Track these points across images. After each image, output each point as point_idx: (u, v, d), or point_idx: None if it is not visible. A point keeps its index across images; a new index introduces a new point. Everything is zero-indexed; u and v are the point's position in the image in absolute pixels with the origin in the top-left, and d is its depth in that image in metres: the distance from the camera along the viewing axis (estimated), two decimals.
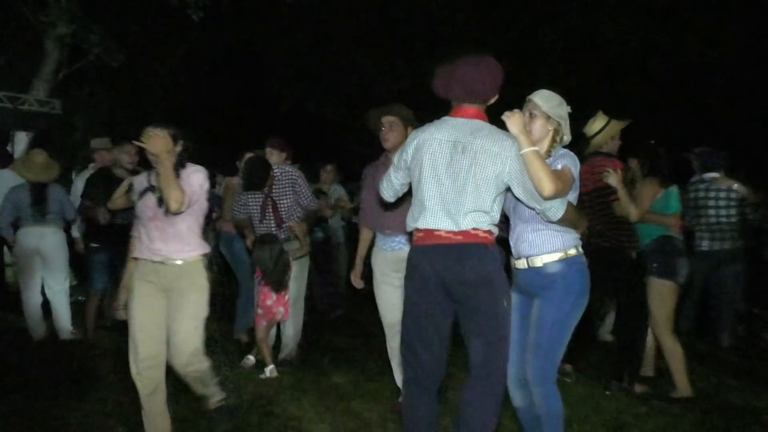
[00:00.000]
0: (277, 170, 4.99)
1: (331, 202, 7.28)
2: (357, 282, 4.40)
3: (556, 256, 2.97)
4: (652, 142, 4.93)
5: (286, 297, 4.90)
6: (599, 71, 12.82)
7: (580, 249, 3.05)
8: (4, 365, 4.90)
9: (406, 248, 3.55)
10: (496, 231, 2.91)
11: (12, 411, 3.89)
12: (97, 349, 5.42)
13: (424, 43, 13.57)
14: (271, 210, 4.97)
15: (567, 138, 3.05)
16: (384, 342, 5.84)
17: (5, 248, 7.14)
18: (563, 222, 2.93)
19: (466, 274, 2.81)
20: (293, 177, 5.02)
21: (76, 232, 6.27)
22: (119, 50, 11.20)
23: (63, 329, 5.77)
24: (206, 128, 13.54)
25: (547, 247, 2.98)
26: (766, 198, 5.94)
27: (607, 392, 4.47)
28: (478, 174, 2.82)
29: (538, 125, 2.98)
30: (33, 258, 5.74)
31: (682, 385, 4.41)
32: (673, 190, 4.66)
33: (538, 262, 2.99)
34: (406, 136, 3.66)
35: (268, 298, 4.85)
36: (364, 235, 4.31)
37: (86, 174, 6.33)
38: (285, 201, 4.98)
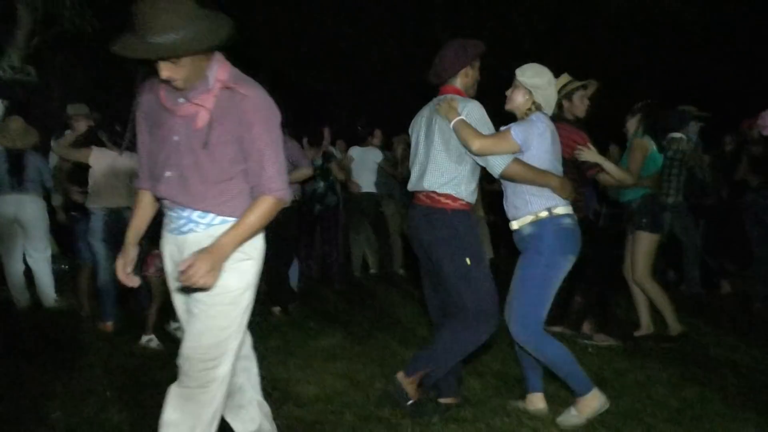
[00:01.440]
0: None
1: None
2: None
3: (528, 219, 3.29)
4: (649, 101, 5.01)
5: None
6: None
7: (558, 210, 3.27)
8: None
9: None
10: (462, 195, 3.29)
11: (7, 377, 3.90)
12: (83, 317, 5.43)
13: (413, 12, 13.43)
14: None
15: (545, 105, 3.35)
16: (371, 305, 5.95)
17: None
18: (516, 179, 3.26)
19: (427, 236, 3.35)
20: None
21: (56, 201, 6.20)
22: (92, 16, 10.98)
23: (46, 297, 5.76)
24: None
25: (521, 211, 3.33)
26: (714, 159, 6.23)
27: (590, 350, 4.58)
28: (437, 142, 3.31)
29: (515, 93, 3.39)
30: (12, 226, 5.70)
31: (674, 324, 4.79)
32: (654, 149, 4.77)
33: (515, 225, 3.36)
34: None
35: None
36: None
37: (64, 141, 6.23)
38: None
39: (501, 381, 3.97)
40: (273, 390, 3.73)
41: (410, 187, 3.48)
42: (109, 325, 4.99)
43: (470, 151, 3.21)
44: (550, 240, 3.24)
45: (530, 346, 3.29)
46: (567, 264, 3.28)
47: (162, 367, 4.02)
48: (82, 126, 6.16)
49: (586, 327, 4.88)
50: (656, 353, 4.50)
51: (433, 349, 3.38)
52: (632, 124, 4.90)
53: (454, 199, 3.29)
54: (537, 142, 3.23)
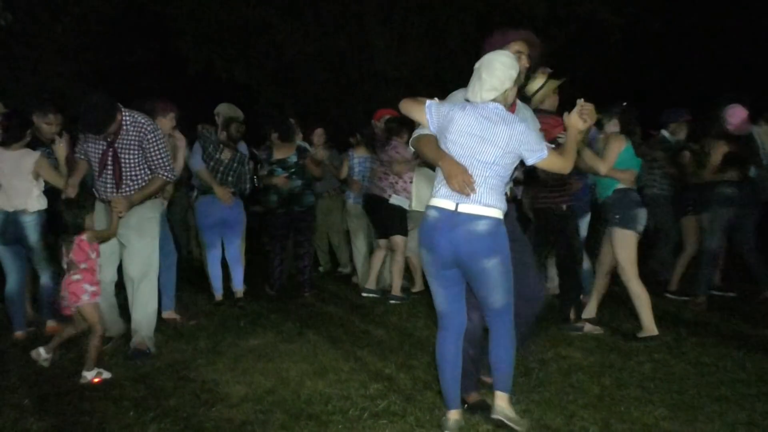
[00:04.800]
0: (127, 116, 4.24)
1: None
2: None
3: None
4: (625, 104, 5.13)
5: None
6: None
7: (430, 201, 3.15)
8: None
9: None
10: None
11: None
12: None
13: (333, 4, 13.37)
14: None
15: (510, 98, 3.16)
16: (301, 305, 5.92)
17: None
18: (417, 151, 3.28)
19: None
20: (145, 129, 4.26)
21: None
22: (5, 8, 10.52)
23: None
24: (110, 92, 12.90)
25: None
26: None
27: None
28: None
29: None
30: None
31: (649, 326, 4.77)
32: (630, 146, 4.91)
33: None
34: None
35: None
36: None
37: None
38: (129, 156, 4.27)
39: (430, 374, 4.03)
40: (202, 392, 3.71)
41: None
42: (20, 333, 4.80)
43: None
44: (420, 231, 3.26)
45: None
46: (427, 257, 3.14)
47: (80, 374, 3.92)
48: None
49: (573, 317, 4.98)
50: (578, 342, 4.66)
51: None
52: (611, 126, 5.06)
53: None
54: (449, 122, 3.09)
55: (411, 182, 6.23)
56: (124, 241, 4.34)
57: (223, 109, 5.95)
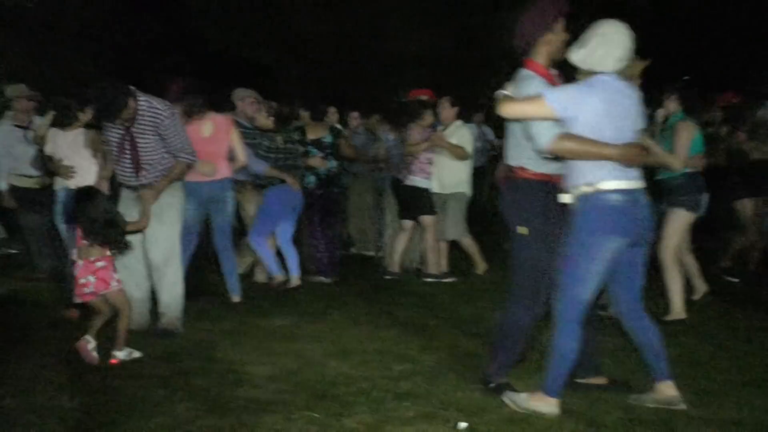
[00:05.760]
0: (142, 101, 4.22)
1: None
2: None
3: (574, 193, 3.08)
4: (686, 78, 4.99)
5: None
6: None
7: (603, 186, 3.00)
8: None
9: None
10: (533, 167, 3.24)
11: None
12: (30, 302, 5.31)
13: None
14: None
15: (597, 65, 3.04)
16: (326, 285, 5.97)
17: None
18: (566, 156, 3.05)
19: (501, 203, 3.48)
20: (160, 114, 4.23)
21: (3, 185, 5.99)
22: None
23: None
24: (130, 73, 12.96)
25: (568, 184, 3.13)
26: None
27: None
28: None
29: None
30: None
31: (678, 309, 4.76)
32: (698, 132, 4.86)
33: (566, 199, 3.15)
34: None
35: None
36: None
37: (5, 124, 6.04)
38: (145, 141, 4.28)
39: (454, 356, 4.06)
40: (228, 372, 3.76)
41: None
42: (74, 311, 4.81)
43: (499, 114, 3.14)
44: (588, 217, 3.03)
45: (561, 327, 3.11)
46: (609, 244, 3.01)
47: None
48: (24, 105, 6.00)
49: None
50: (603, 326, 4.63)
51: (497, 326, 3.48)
52: (670, 106, 4.86)
53: (523, 170, 3.28)
54: (584, 107, 2.96)
55: (429, 164, 6.23)
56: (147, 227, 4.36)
57: (240, 94, 5.92)
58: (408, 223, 6.34)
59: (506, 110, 3.09)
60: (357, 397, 3.40)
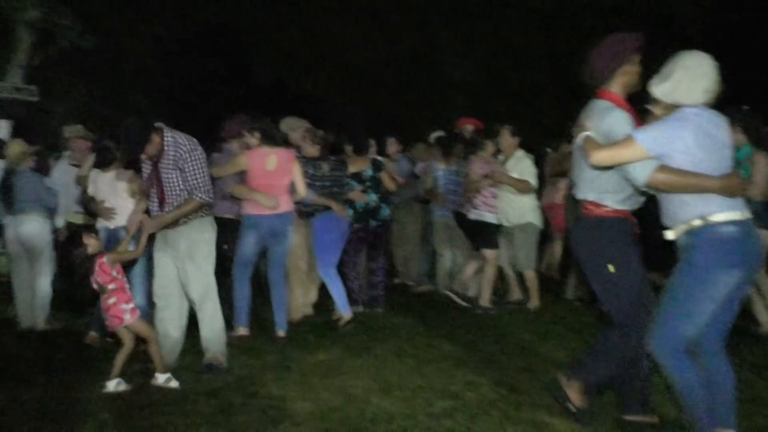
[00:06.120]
0: (168, 137, 4.29)
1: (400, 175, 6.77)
2: None
3: (681, 228, 3.00)
4: (746, 108, 4.85)
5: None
6: None
7: (714, 218, 2.91)
8: None
9: None
10: (607, 203, 3.25)
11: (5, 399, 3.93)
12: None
13: (400, 11, 13.42)
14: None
15: (684, 98, 3.00)
16: (370, 316, 5.96)
17: None
18: (665, 189, 2.99)
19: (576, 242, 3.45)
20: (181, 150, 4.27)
21: (60, 222, 6.22)
22: (90, 32, 11.09)
23: (39, 318, 5.73)
24: (185, 107, 13.41)
25: (674, 220, 3.04)
26: None
27: None
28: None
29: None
30: (16, 246, 5.77)
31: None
32: None
33: (670, 235, 3.07)
34: None
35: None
36: None
37: (63, 163, 6.30)
38: (169, 176, 4.32)
39: (498, 392, 3.97)
40: (269, 408, 3.77)
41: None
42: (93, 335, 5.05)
43: (590, 165, 3.12)
44: (705, 251, 2.92)
45: (664, 364, 3.03)
46: (728, 279, 2.91)
47: (161, 388, 4.07)
48: (80, 146, 6.24)
49: None
50: None
51: (590, 355, 3.44)
52: (736, 138, 4.60)
53: (597, 205, 3.27)
54: (677, 143, 2.90)
55: (494, 197, 6.17)
56: (179, 266, 4.41)
57: (290, 125, 5.98)
58: (487, 254, 6.24)
59: (598, 158, 3.03)
60: None
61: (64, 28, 11.04)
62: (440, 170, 6.68)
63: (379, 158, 6.57)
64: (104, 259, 4.08)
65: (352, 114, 13.40)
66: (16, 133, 10.24)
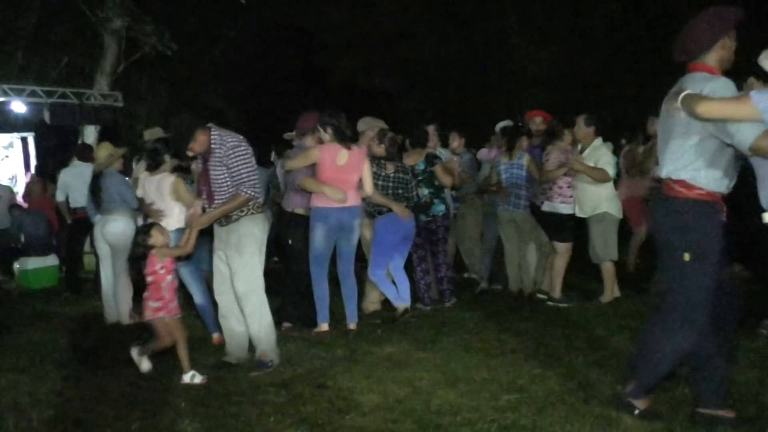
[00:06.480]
0: (215, 135, 4.38)
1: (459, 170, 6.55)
2: None
3: None
4: None
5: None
6: None
7: None
8: (82, 348, 5.28)
9: None
10: (700, 182, 3.06)
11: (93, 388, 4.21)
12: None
13: (472, 3, 13.31)
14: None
15: None
16: (438, 310, 5.98)
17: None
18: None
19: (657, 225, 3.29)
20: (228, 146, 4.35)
21: (141, 221, 6.54)
22: (171, 39, 11.57)
23: (122, 314, 6.06)
24: (260, 107, 13.78)
25: None
26: None
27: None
28: (671, 124, 3.13)
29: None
30: (102, 244, 6.15)
31: None
32: None
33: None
34: None
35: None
36: None
37: (143, 165, 6.61)
38: (216, 173, 4.39)
39: (565, 386, 3.92)
40: (337, 399, 3.86)
41: (657, 174, 3.33)
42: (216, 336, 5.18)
43: (696, 116, 2.94)
44: None
45: None
46: None
47: (235, 379, 4.25)
48: None
49: None
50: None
51: (643, 347, 3.34)
52: None
53: (689, 187, 3.09)
54: None
55: (569, 187, 6.06)
56: (228, 260, 4.49)
57: (367, 123, 6.00)
58: (562, 246, 6.17)
59: (705, 109, 2.88)
60: (462, 427, 3.39)
61: (147, 35, 11.56)
62: (503, 164, 6.54)
63: (434, 151, 6.46)
64: (154, 251, 4.28)
65: (420, 110, 13.44)
66: (102, 137, 10.86)
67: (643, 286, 6.45)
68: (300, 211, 5.58)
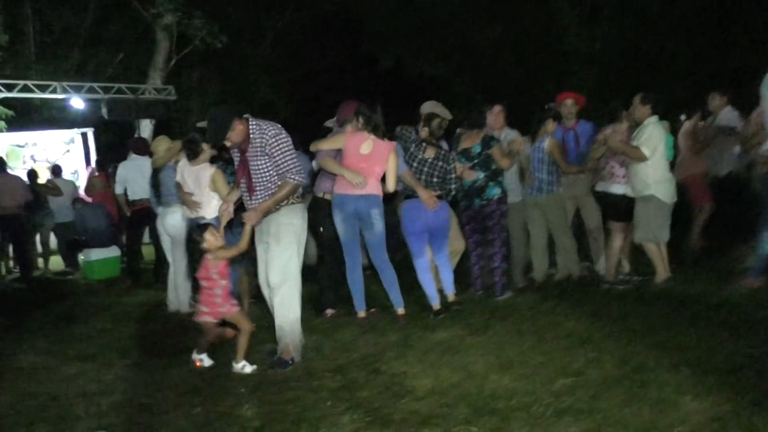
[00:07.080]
0: (253, 125, 4.33)
1: (505, 148, 6.14)
2: None
3: None
4: None
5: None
6: None
7: None
8: (144, 336, 5.47)
9: None
10: None
11: (156, 375, 4.38)
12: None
13: None
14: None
15: None
16: (488, 297, 5.94)
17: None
18: None
19: None
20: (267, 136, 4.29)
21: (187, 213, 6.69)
22: (221, 32, 11.78)
23: (183, 303, 6.24)
24: (309, 97, 13.88)
25: None
26: None
27: None
28: None
29: None
30: (164, 236, 6.36)
31: None
32: None
33: None
34: None
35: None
36: None
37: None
38: (257, 163, 4.34)
39: (621, 370, 3.86)
40: (391, 384, 3.90)
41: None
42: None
43: None
44: None
45: None
46: None
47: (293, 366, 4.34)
48: None
49: None
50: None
51: None
52: None
53: None
54: None
55: (621, 167, 5.94)
56: (267, 248, 4.49)
57: (426, 107, 5.85)
58: (618, 226, 6.07)
59: None
60: (517, 411, 3.38)
61: (197, 29, 11.80)
62: (529, 148, 6.30)
63: (506, 134, 6.33)
64: (208, 256, 4.33)
65: (468, 94, 13.29)
66: (157, 130, 11.19)
67: (704, 267, 6.34)
68: (329, 197, 5.53)
